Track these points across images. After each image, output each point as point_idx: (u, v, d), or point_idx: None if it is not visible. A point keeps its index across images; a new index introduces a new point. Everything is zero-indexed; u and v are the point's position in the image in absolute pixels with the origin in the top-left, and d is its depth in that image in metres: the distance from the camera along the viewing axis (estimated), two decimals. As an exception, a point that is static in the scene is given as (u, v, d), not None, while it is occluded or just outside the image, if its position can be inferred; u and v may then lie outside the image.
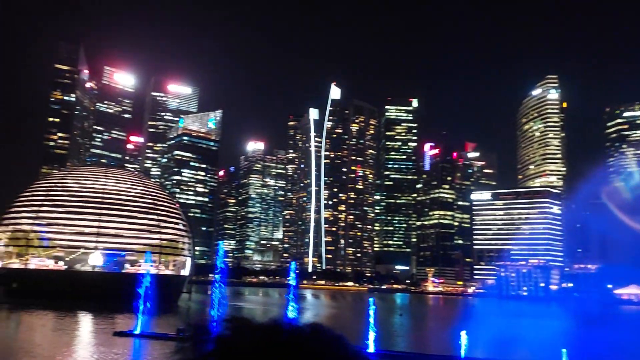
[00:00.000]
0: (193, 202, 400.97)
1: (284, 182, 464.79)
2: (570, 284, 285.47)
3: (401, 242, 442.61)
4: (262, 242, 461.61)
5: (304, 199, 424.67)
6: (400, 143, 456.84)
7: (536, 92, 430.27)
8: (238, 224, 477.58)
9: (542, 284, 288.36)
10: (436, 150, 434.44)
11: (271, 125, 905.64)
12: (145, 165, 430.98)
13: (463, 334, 38.79)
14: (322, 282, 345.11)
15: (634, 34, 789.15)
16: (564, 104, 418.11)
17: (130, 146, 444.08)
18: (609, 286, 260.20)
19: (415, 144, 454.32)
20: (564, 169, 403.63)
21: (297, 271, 46.20)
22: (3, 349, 40.74)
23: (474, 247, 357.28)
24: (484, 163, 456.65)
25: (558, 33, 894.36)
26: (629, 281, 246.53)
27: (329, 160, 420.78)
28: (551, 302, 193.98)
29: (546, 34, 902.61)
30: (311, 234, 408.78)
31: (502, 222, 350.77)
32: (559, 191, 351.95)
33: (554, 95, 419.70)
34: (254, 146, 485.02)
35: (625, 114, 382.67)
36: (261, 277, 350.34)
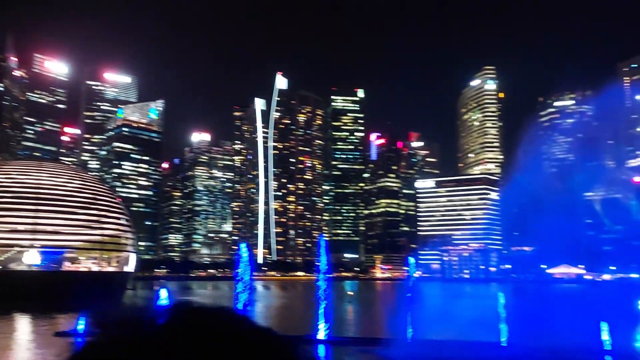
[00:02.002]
0: (136, 195, 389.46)
1: (232, 174, 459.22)
2: (508, 266, 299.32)
3: (350, 231, 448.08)
4: (210, 235, 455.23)
5: (253, 190, 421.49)
6: (347, 133, 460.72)
7: (475, 82, 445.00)
8: (184, 217, 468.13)
9: (482, 267, 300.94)
10: (382, 140, 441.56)
11: (216, 116, 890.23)
12: (83, 158, 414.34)
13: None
14: (273, 273, 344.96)
15: (565, 27, 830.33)
16: (501, 94, 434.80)
17: (65, 138, 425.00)
18: (543, 266, 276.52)
19: (362, 134, 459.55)
20: (502, 156, 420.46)
21: (248, 257, 45.32)
22: None
23: (419, 233, 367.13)
24: (427, 152, 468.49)
25: (496, 25, 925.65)
26: (560, 261, 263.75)
27: (277, 151, 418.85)
28: (491, 283, 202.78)
29: (484, 25, 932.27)
30: (260, 226, 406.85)
31: (444, 209, 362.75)
32: (496, 178, 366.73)
33: (491, 85, 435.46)
34: (199, 137, 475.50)
35: (556, 104, 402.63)
36: (210, 271, 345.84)
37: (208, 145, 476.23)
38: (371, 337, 44.74)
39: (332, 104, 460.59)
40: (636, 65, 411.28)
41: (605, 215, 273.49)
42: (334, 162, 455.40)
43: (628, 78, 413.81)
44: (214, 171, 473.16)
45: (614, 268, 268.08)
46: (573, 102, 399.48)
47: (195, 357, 1.41)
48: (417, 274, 54.76)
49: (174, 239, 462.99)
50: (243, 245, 46.23)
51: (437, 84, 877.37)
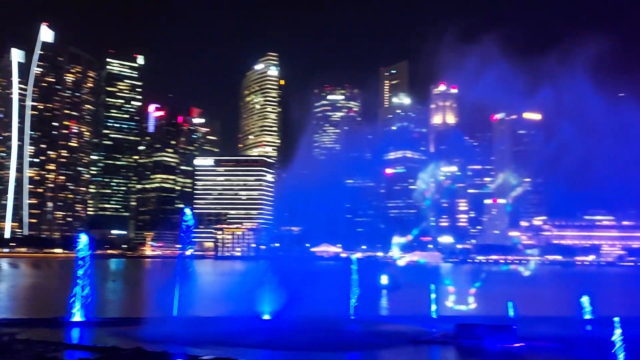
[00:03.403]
0: None
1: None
2: (277, 244, 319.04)
3: (119, 206, 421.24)
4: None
5: (2, 154, 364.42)
6: (122, 101, 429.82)
7: (258, 66, 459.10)
8: None
9: (254, 245, 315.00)
10: (161, 113, 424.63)
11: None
12: None
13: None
14: (24, 249, 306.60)
15: (343, 27, 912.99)
16: (282, 82, 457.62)
17: None
18: (307, 245, 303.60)
19: (139, 103, 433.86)
20: (279, 141, 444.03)
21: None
22: None
23: (195, 211, 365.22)
24: (208, 130, 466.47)
25: (285, 12, 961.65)
26: (322, 241, 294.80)
27: (36, 112, 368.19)
28: (260, 261, 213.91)
29: (271, 11, 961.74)
30: (10, 195, 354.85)
31: (222, 188, 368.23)
32: (273, 161, 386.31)
33: (274, 72, 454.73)
34: None
35: (329, 97, 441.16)
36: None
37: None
38: (134, 317, 43.07)
39: (108, 67, 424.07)
40: (395, 72, 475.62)
41: (360, 201, 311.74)
42: (106, 131, 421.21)
43: (388, 82, 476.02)
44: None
45: (365, 247, 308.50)
46: (343, 97, 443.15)
47: None
48: (189, 251, 54.44)
49: None
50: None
51: (223, 62, 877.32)
